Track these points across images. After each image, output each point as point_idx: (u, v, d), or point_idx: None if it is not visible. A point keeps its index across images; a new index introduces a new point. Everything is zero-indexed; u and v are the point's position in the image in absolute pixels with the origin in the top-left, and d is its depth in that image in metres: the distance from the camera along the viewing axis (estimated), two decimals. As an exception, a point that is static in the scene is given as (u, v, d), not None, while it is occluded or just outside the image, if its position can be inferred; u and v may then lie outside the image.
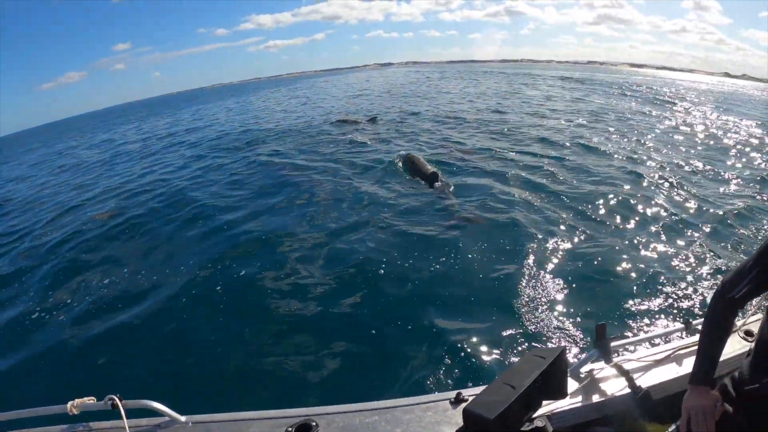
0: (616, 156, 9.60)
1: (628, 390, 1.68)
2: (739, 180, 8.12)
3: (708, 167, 8.93)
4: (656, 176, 7.97)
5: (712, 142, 11.82)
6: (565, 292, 4.17)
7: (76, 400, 1.50)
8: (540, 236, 5.30)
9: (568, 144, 10.79)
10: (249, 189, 8.36)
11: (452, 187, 7.57)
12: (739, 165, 9.37)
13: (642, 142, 11.34)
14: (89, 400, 1.51)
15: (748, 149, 11.04)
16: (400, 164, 9.17)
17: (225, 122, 22.55)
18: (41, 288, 5.36)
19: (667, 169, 8.64)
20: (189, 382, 3.45)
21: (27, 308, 4.90)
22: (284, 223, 6.33)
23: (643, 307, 3.88)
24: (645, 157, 9.50)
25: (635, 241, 5.22)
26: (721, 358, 1.61)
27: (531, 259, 4.77)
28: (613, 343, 1.79)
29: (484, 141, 11.46)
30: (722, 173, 8.49)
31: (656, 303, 3.95)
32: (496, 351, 3.44)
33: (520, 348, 3.46)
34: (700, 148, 10.94)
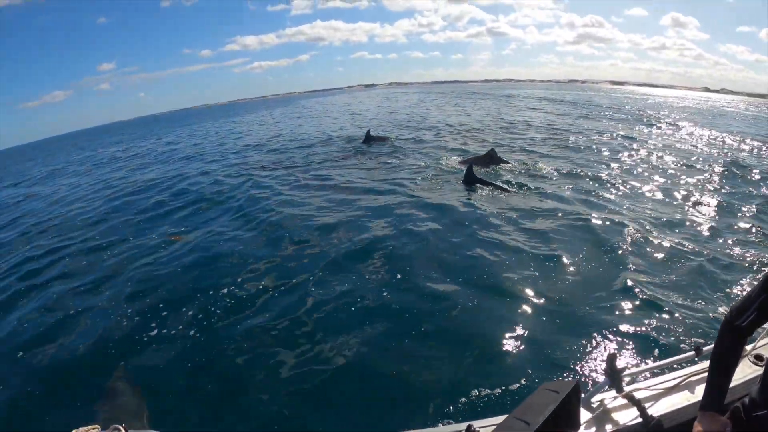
0: (627, 184, 9.46)
1: (639, 419, 1.66)
2: (752, 206, 7.90)
3: (717, 192, 8.87)
4: (664, 203, 8.01)
5: (721, 163, 11.68)
6: (575, 321, 4.13)
7: (81, 428, 1.46)
8: (548, 266, 5.30)
9: (582, 167, 10.86)
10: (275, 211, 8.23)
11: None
12: (752, 189, 9.16)
13: (652, 166, 11.26)
14: (93, 429, 1.47)
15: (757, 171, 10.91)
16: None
17: (237, 141, 22.57)
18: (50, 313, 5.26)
19: (679, 194, 8.66)
20: (194, 410, 3.41)
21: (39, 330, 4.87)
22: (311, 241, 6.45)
23: (653, 335, 3.87)
24: (657, 184, 9.40)
25: (644, 269, 5.22)
26: (733, 383, 1.63)
27: (540, 290, 4.76)
28: (624, 373, 1.77)
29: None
30: (733, 199, 8.36)
31: (666, 330, 3.95)
32: (506, 380, 3.37)
33: (529, 375, 3.40)
34: (711, 170, 10.81)
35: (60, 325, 4.91)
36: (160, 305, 4.99)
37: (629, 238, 6.12)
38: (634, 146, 14.34)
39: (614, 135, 16.88)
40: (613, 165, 11.22)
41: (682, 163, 11.71)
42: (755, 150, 14.68)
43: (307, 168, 12.34)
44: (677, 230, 6.57)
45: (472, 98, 47.45)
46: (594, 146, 14.10)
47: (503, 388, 3.29)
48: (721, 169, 10.96)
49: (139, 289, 5.48)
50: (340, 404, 3.34)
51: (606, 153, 13.02)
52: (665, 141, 15.87)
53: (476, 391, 3.26)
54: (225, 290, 5.16)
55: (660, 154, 12.91)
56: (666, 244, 5.96)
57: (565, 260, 5.44)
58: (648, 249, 5.82)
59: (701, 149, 14.42)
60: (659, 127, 20.54)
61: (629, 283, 4.78)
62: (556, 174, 10.24)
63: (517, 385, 3.30)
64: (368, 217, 7.47)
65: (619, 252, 5.71)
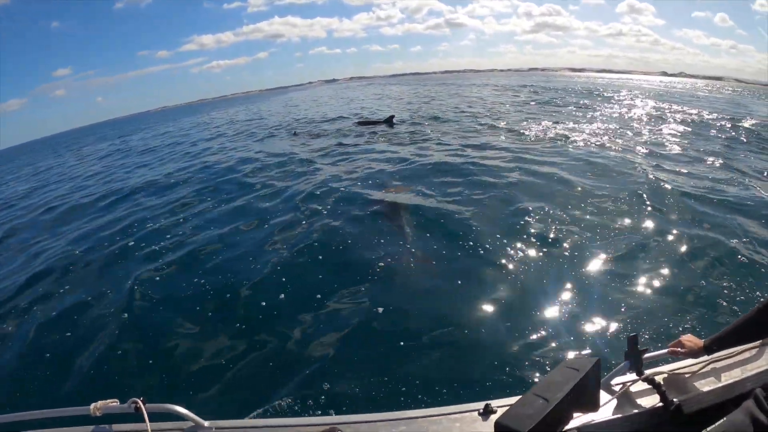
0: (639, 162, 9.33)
1: (660, 403, 1.64)
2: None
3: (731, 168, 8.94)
4: (689, 182, 7.81)
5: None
6: (596, 300, 4.07)
7: (99, 402, 1.48)
8: (571, 241, 5.25)
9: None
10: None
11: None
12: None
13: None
14: (112, 402, 1.50)
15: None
16: None
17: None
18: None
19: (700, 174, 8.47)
20: (213, 387, 3.40)
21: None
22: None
23: (676, 318, 3.72)
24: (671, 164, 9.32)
25: (668, 249, 5.04)
26: (756, 370, 1.71)
27: (561, 264, 4.74)
28: (645, 355, 1.74)
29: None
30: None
31: (690, 313, 3.80)
32: (524, 359, 3.31)
33: (548, 355, 3.34)
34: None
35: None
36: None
37: (651, 216, 5.98)
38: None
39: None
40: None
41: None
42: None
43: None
44: (705, 209, 6.29)
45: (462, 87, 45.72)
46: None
47: (521, 366, 3.25)
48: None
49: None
50: (352, 381, 3.27)
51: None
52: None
53: (493, 369, 3.23)
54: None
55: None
56: (691, 223, 5.79)
57: (586, 237, 5.33)
58: (671, 228, 5.56)
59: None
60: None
61: (651, 263, 4.68)
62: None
63: (535, 364, 3.26)
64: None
65: (641, 230, 5.56)
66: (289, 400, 3.07)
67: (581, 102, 24.33)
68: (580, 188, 7.25)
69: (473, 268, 4.76)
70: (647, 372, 1.74)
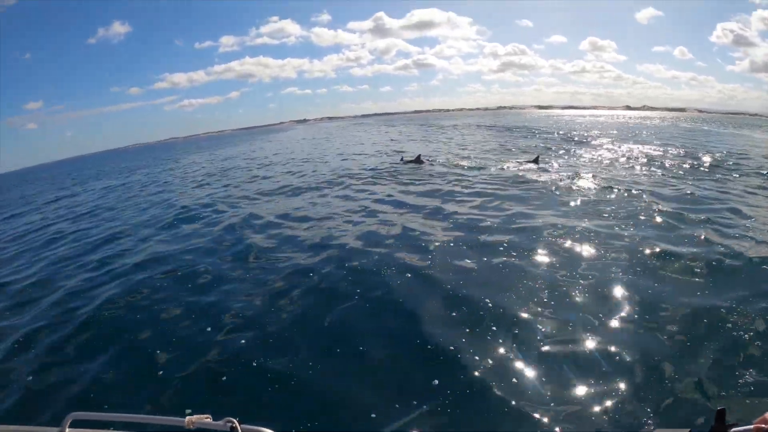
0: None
1: None
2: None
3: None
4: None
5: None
6: (684, 372, 3.75)
7: (195, 416, 1.51)
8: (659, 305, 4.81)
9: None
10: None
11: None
12: None
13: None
14: (206, 418, 1.52)
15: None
16: None
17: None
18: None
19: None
20: (306, 415, 3.49)
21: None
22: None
23: (763, 392, 3.42)
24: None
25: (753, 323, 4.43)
26: None
27: (652, 319, 4.50)
28: (732, 430, 1.65)
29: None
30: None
31: None
32: (615, 420, 3.24)
33: (636, 418, 3.24)
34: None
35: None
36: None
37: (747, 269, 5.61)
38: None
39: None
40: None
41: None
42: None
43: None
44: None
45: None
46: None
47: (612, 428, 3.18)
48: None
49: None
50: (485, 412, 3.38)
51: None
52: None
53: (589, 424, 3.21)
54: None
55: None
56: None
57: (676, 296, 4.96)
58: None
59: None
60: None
61: (748, 326, 4.32)
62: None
63: (626, 426, 3.19)
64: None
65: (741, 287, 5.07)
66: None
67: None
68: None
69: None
70: None
